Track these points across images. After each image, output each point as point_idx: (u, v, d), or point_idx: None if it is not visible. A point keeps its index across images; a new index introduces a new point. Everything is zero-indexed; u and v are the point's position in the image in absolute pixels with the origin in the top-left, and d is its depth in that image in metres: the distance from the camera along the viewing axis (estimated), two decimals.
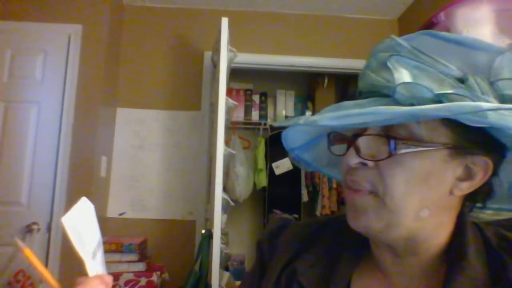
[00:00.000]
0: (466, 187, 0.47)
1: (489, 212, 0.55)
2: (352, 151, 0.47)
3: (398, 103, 0.44)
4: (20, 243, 0.35)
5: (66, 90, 2.28)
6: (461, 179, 0.47)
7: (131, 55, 2.71)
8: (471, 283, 0.45)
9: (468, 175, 0.47)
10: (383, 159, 0.45)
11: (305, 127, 0.55)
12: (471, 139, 0.45)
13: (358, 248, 0.56)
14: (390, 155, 0.44)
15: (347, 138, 0.50)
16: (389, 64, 0.46)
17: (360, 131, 0.48)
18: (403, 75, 0.45)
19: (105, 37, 2.39)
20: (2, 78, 2.26)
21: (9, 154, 2.19)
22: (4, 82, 2.26)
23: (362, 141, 0.47)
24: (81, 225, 0.44)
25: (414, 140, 0.44)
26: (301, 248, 0.59)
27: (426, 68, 0.45)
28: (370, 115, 0.42)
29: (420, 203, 0.46)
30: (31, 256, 0.36)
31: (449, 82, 0.44)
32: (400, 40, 0.49)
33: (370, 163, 0.47)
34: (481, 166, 0.47)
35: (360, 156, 0.47)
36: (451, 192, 0.47)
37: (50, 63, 2.30)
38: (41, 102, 2.27)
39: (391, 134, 0.45)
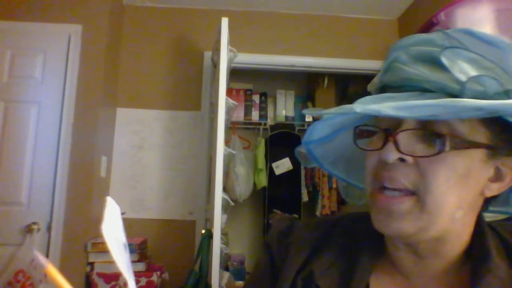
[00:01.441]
0: (496, 189, 0.47)
1: (489, 215, 0.55)
2: (391, 146, 0.44)
3: (452, 97, 0.42)
4: (41, 258, 0.31)
5: (66, 90, 2.28)
6: (492, 181, 0.47)
7: (131, 55, 2.71)
8: (499, 283, 0.45)
9: (498, 177, 0.47)
10: (430, 156, 0.43)
11: (331, 119, 0.53)
12: (506, 140, 0.45)
13: (374, 248, 0.54)
14: (439, 152, 0.43)
15: (383, 132, 0.47)
16: (443, 58, 0.44)
17: (392, 126, 0.46)
18: (466, 68, 0.43)
19: (105, 37, 2.39)
20: (2, 78, 2.26)
21: (9, 154, 2.19)
22: (4, 82, 2.26)
23: (402, 136, 0.45)
24: (118, 235, 0.40)
25: (456, 137, 0.43)
26: (314, 250, 0.57)
27: (481, 61, 0.44)
28: (443, 107, 0.39)
29: (456, 203, 0.45)
30: (55, 274, 0.32)
31: (505, 78, 0.43)
32: (451, 32, 0.46)
33: (409, 160, 0.44)
34: (510, 168, 0.47)
35: (400, 152, 0.44)
36: (481, 193, 0.47)
37: (50, 63, 2.30)
38: (41, 102, 2.26)
39: (433, 130, 0.44)
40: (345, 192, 0.67)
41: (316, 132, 0.56)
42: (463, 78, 0.42)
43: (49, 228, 2.16)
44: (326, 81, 3.29)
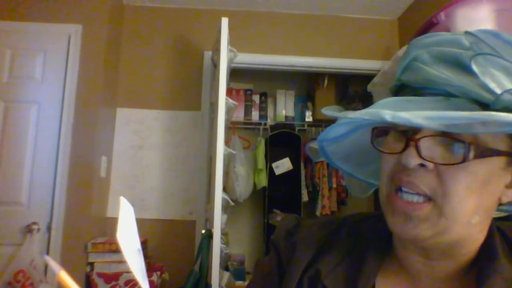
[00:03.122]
0: None
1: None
2: (412, 151, 0.43)
3: (479, 105, 0.42)
4: (53, 263, 0.30)
5: (66, 90, 2.28)
6: (509, 187, 0.47)
7: (131, 55, 2.71)
8: (505, 283, 0.45)
9: None
10: (455, 164, 0.42)
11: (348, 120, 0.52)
12: None
13: (381, 248, 0.54)
14: (464, 160, 0.42)
15: (403, 135, 0.46)
16: (473, 65, 0.42)
17: (411, 128, 0.45)
18: (498, 77, 0.42)
19: (105, 37, 2.39)
20: (2, 78, 2.26)
21: (9, 154, 2.19)
22: (4, 82, 2.26)
23: (423, 141, 0.43)
24: (133, 239, 0.39)
25: (480, 145, 0.42)
26: (320, 249, 0.57)
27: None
28: (481, 121, 0.38)
29: (474, 209, 0.45)
30: (68, 280, 0.31)
31: None
32: (478, 34, 0.45)
33: (430, 166, 0.44)
34: None
35: (422, 158, 0.43)
36: (498, 199, 0.47)
37: (50, 63, 2.30)
38: (41, 102, 2.26)
39: (456, 137, 0.42)
40: (350, 186, 0.67)
41: (333, 132, 0.55)
42: (495, 87, 0.41)
43: (49, 228, 2.16)
44: (326, 81, 3.30)
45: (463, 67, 0.43)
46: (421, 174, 0.44)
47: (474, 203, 0.44)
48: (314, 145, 0.60)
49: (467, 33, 0.46)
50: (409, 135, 0.45)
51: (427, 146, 0.44)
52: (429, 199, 0.44)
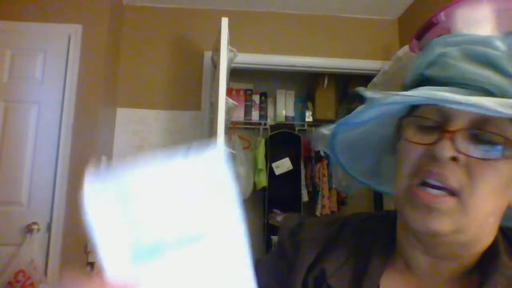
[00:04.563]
0: None
1: None
2: (447, 143, 0.42)
3: None
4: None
5: (66, 90, 2.28)
6: None
7: (131, 55, 2.70)
8: (506, 281, 0.45)
9: None
10: (491, 160, 0.42)
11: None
12: None
13: (385, 248, 0.54)
14: (503, 157, 0.41)
15: (436, 127, 0.45)
16: None
17: (440, 121, 0.44)
18: None
19: (105, 37, 2.39)
20: (2, 78, 2.26)
21: (9, 154, 2.19)
22: (4, 82, 2.26)
23: (458, 134, 0.42)
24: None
25: (509, 143, 0.42)
26: (324, 248, 0.57)
27: None
28: None
29: (492, 209, 0.45)
30: None
31: None
32: None
33: (463, 159, 0.43)
34: None
35: (458, 151, 0.42)
36: (509, 203, 0.47)
37: (50, 63, 2.30)
38: (41, 102, 2.26)
39: (495, 133, 0.42)
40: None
41: (363, 116, 0.50)
42: None
43: (49, 228, 2.16)
44: (326, 81, 3.30)
45: (499, 69, 0.43)
46: (452, 167, 0.43)
47: (493, 203, 0.44)
48: (325, 130, 0.56)
49: (505, 35, 0.46)
50: (441, 126, 0.44)
51: (460, 139, 0.43)
52: (453, 193, 0.43)
